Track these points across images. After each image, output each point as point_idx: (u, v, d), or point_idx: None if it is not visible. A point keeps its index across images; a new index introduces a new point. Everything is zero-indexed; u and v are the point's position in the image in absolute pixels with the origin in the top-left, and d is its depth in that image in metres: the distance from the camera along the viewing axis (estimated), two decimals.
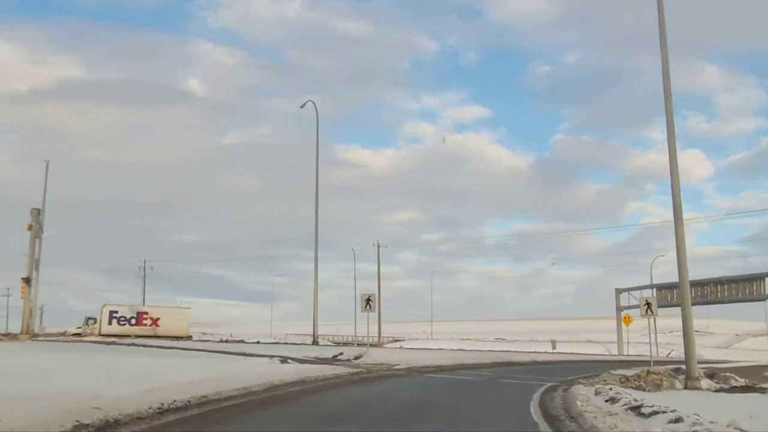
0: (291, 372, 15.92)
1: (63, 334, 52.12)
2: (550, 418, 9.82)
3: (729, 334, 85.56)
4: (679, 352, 52.03)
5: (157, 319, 49.39)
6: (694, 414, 8.07)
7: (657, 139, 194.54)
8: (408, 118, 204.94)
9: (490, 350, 42.07)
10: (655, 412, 8.34)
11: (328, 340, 60.01)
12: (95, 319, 49.75)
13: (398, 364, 21.79)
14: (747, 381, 15.11)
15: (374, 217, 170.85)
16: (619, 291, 59.13)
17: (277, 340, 53.88)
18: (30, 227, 43.04)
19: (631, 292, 57.83)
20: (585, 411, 9.74)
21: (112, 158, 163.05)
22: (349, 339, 64.21)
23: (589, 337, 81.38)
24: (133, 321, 48.82)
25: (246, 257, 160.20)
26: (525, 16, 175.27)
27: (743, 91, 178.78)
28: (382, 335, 60.90)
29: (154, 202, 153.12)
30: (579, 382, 14.97)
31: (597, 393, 11.79)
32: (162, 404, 9.29)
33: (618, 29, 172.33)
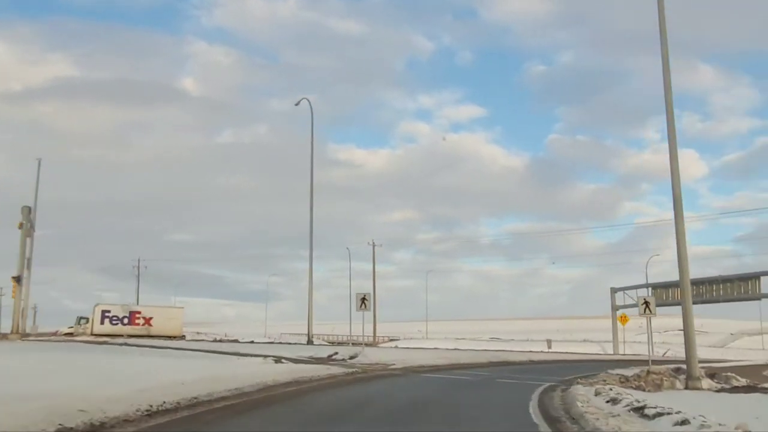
0: (285, 372, 15.63)
1: (55, 333, 51.57)
2: (551, 420, 9.58)
3: (724, 334, 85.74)
4: (674, 352, 52.12)
5: (150, 318, 48.92)
6: (700, 416, 7.84)
7: (651, 139, 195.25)
8: (403, 117, 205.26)
9: (486, 350, 41.88)
10: (660, 414, 8.10)
11: (323, 340, 59.73)
12: (87, 319, 49.22)
13: (394, 364, 21.53)
14: (748, 381, 14.92)
15: (370, 217, 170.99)
16: (614, 290, 59.09)
17: (271, 340, 53.52)
18: (21, 225, 42.50)
19: (626, 292, 57.85)
20: (586, 412, 9.50)
21: (107, 158, 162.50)
22: (344, 338, 63.91)
23: (585, 337, 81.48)
24: (126, 320, 48.32)
25: (241, 257, 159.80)
26: (520, 16, 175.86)
27: (738, 91, 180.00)
28: (377, 335, 60.60)
29: (150, 202, 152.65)
30: (578, 382, 14.76)
31: (597, 393, 11.56)
32: (151, 406, 8.99)
33: (612, 30, 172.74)
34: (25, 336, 41.28)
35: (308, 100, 41.09)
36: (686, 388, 12.88)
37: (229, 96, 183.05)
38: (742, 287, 46.87)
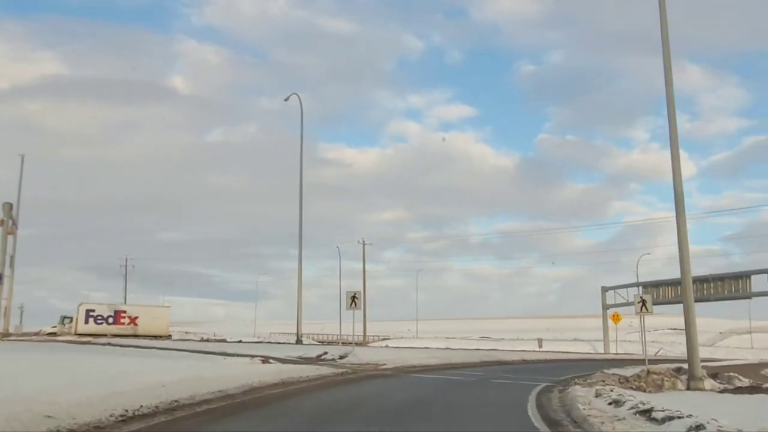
0: (272, 373, 15.04)
1: (37, 333, 50.49)
2: (552, 423, 9.09)
3: (713, 332, 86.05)
4: (666, 351, 52.04)
5: (136, 318, 48.05)
6: (713, 419, 7.37)
7: (640, 139, 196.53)
8: (394, 117, 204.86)
9: (478, 349, 41.47)
10: (670, 418, 7.61)
11: (313, 339, 59.04)
12: (71, 318, 48.27)
13: (385, 364, 21.01)
14: (751, 381, 14.56)
15: (360, 216, 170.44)
16: (605, 289, 58.94)
17: (260, 339, 52.80)
18: (1, 222, 41.47)
19: (617, 291, 57.73)
20: (589, 415, 9.01)
21: (95, 156, 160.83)
22: (335, 338, 63.32)
23: (575, 336, 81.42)
24: (111, 320, 47.44)
25: (231, 256, 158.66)
26: (510, 15, 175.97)
27: (725, 91, 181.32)
28: (367, 334, 60.05)
29: (139, 201, 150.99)
30: (575, 383, 14.30)
31: (598, 395, 11.08)
32: (126, 410, 8.37)
33: (602, 30, 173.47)
34: (6, 336, 40.29)
35: (298, 96, 40.61)
36: (688, 388, 12.47)
37: (218, 95, 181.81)
38: (733, 286, 46.83)
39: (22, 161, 44.68)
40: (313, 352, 26.07)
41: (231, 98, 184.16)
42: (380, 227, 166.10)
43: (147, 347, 28.01)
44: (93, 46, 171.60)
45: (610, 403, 10.03)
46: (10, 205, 42.16)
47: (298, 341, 38.42)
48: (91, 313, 47.39)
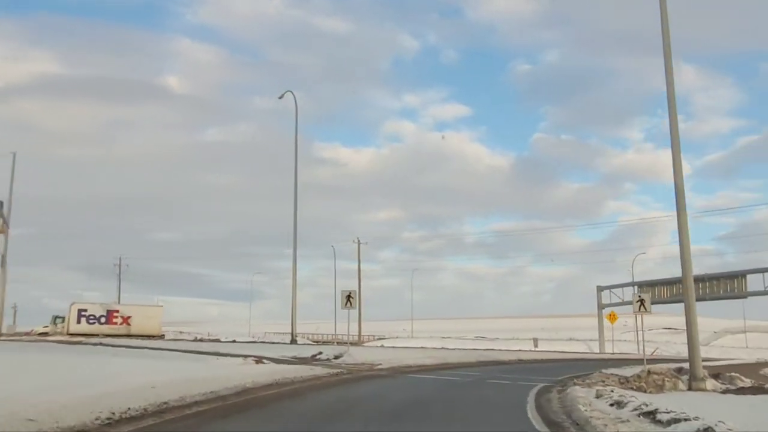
0: (266, 373, 14.74)
1: (28, 333, 49.93)
2: (553, 425, 8.84)
3: (707, 332, 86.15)
4: (662, 350, 51.96)
5: (128, 317, 47.59)
6: (720, 422, 7.12)
7: (635, 138, 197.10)
8: (389, 116, 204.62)
9: (474, 349, 41.22)
10: (675, 420, 7.36)
11: (308, 339, 58.70)
12: (63, 318, 47.76)
13: (380, 364, 20.73)
14: (753, 381, 14.36)
15: (355, 216, 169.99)
16: (600, 288, 58.78)
17: (254, 339, 52.42)
18: None
19: (612, 290, 57.62)
20: (591, 417, 8.76)
21: (90, 155, 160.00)
22: (330, 338, 63.02)
23: (570, 335, 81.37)
24: (103, 320, 46.97)
25: (226, 255, 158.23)
26: (505, 15, 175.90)
27: (719, 91, 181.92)
28: (362, 334, 59.75)
29: (134, 200, 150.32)
30: (574, 383, 14.06)
31: (599, 396, 10.84)
32: (113, 413, 8.07)
33: (597, 30, 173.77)
34: None
35: (292, 93, 40.30)
36: (690, 389, 12.25)
37: (213, 94, 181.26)
38: (729, 285, 46.76)
39: (14, 159, 44.17)
40: (308, 352, 25.77)
41: (226, 98, 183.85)
42: (375, 227, 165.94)
43: (139, 347, 27.63)
44: (88, 45, 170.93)
45: (611, 405, 9.79)
46: (1, 204, 41.65)
47: (293, 341, 38.09)
48: (83, 313, 46.91)
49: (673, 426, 7.22)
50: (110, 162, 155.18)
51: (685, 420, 7.23)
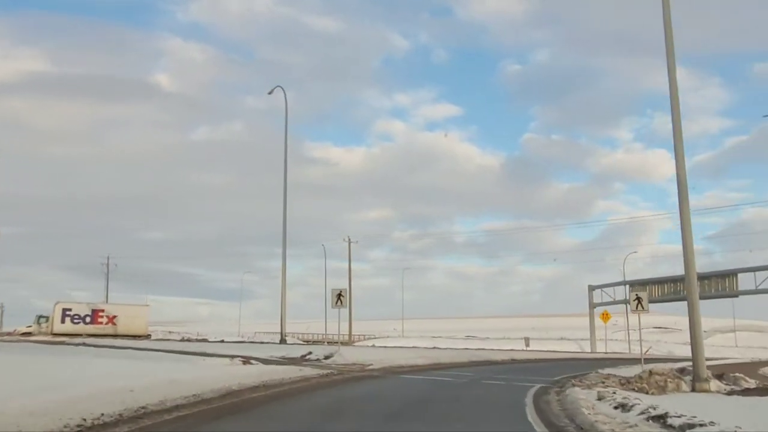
0: (253, 375, 14.16)
1: (11, 333, 48.85)
2: (556, 430, 8.35)
3: None
4: (654, 349, 51.82)
5: (114, 317, 46.70)
6: (737, 427, 6.65)
7: (624, 138, 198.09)
8: (380, 115, 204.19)
9: (466, 348, 40.79)
10: (690, 426, 6.87)
11: (298, 339, 58.01)
12: (47, 318, 46.74)
13: (372, 364, 20.20)
14: (757, 382, 13.98)
15: (345, 215, 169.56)
16: (592, 288, 58.59)
17: (243, 339, 51.68)
18: None
19: (603, 289, 57.44)
20: (596, 421, 8.27)
21: (79, 154, 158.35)
22: (320, 337, 62.36)
23: (561, 335, 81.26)
24: (88, 319, 46.05)
25: (216, 255, 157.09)
26: (496, 15, 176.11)
27: (708, 91, 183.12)
28: (353, 333, 59.15)
29: (123, 199, 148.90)
30: (573, 384, 13.60)
31: (600, 398, 10.36)
32: (84, 420, 7.46)
33: (587, 30, 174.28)
34: None
35: (282, 89, 39.65)
36: (693, 390, 11.83)
37: (204, 93, 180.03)
38: (720, 284, 46.70)
39: None
40: (298, 352, 25.20)
41: (216, 96, 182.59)
42: (366, 226, 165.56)
43: (123, 347, 26.89)
44: (76, 43, 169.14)
45: (616, 407, 9.32)
46: None
47: (283, 341, 37.43)
48: (67, 312, 45.96)
49: None
50: (100, 161, 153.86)
51: (701, 425, 6.75)
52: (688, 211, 12.61)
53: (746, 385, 13.00)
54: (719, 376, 13.38)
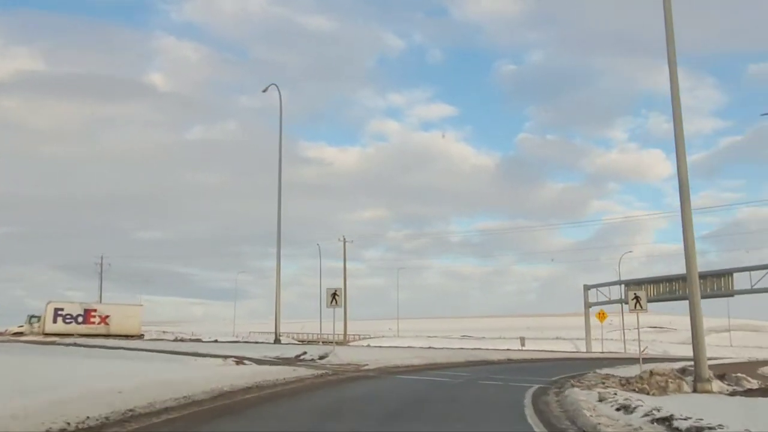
0: (246, 375, 13.85)
1: (2, 333, 48.30)
2: None
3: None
4: (651, 348, 51.77)
5: (107, 317, 46.23)
6: (745, 429, 6.41)
7: (619, 138, 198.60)
8: (374, 115, 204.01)
9: (462, 348, 40.56)
10: (698, 428, 6.63)
11: (293, 339, 57.67)
12: (39, 318, 46.22)
13: (367, 365, 19.93)
14: (759, 382, 13.79)
15: (340, 215, 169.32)
16: (587, 287, 58.50)
17: (237, 339, 51.30)
18: None
19: (599, 289, 57.35)
20: (599, 423, 8.03)
21: (73, 154, 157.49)
22: (315, 337, 62.05)
23: (557, 334, 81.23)
24: (81, 319, 45.56)
25: (210, 254, 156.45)
26: (491, 15, 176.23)
27: (702, 92, 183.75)
28: (348, 333, 58.84)
29: (118, 199, 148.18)
30: (572, 385, 13.37)
31: (601, 399, 10.13)
32: (68, 423, 7.16)
33: (582, 30, 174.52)
34: None
35: (276, 86, 39.34)
36: (695, 390, 11.62)
37: (198, 92, 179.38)
38: (716, 284, 46.62)
39: None
40: (292, 352, 24.90)
41: (211, 96, 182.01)
42: (361, 226, 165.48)
43: (114, 348, 26.52)
44: (70, 42, 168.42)
45: (618, 409, 9.08)
46: None
47: (277, 341, 37.10)
48: (59, 312, 45.47)
49: None
50: (94, 160, 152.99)
51: (709, 428, 6.52)
52: (689, 210, 12.39)
53: (748, 386, 12.82)
54: (721, 377, 13.19)
